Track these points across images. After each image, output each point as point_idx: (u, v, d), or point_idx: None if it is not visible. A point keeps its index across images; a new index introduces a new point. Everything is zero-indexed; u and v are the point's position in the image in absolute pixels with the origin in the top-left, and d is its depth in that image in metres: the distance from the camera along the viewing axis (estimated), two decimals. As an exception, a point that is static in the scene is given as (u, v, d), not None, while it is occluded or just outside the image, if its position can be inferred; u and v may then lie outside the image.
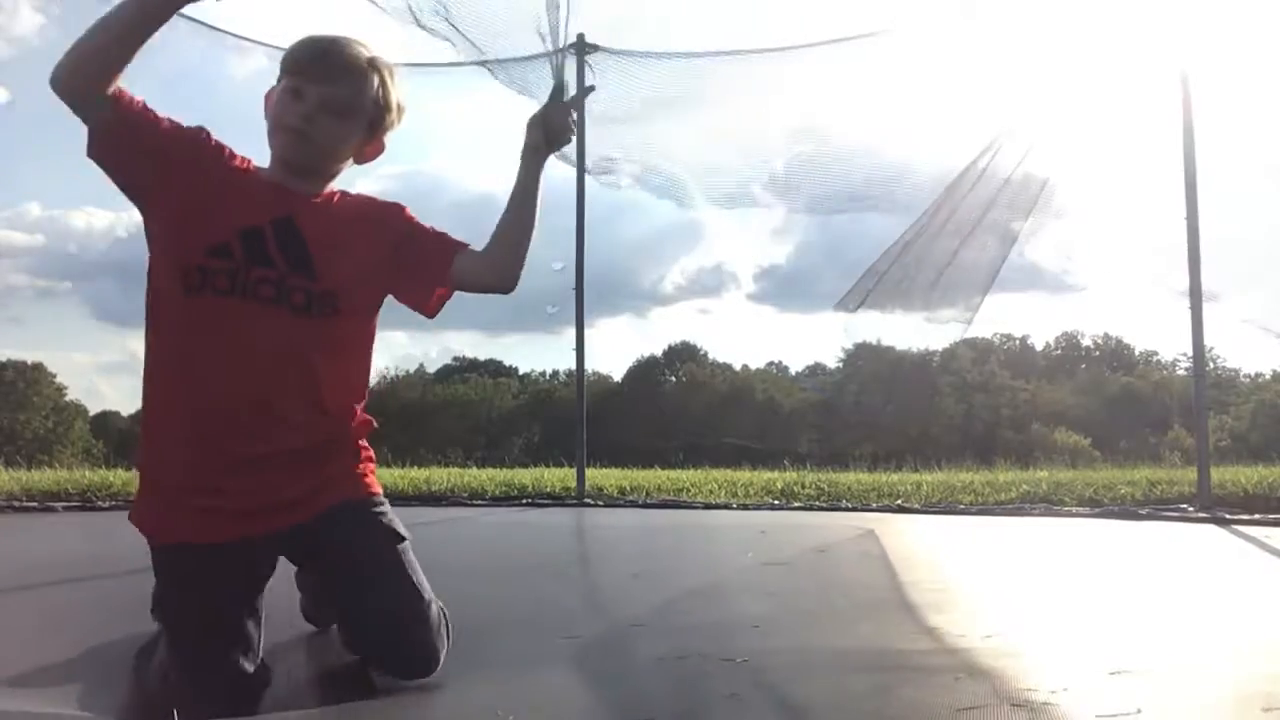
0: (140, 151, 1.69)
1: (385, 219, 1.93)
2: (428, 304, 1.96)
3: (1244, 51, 6.48)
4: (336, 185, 1.94)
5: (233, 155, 1.81)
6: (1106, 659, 2.05)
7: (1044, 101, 6.54)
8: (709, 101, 7.65)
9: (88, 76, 1.60)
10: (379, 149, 1.94)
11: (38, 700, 1.86)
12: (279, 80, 1.85)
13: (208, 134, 1.78)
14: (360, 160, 1.92)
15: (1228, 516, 5.63)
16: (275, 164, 1.85)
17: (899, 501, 6.84)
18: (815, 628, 2.46)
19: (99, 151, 1.67)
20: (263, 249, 1.75)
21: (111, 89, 1.62)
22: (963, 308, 6.55)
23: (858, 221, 8.02)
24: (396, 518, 1.90)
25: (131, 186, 1.74)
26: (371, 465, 1.93)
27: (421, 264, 1.92)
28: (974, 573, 3.66)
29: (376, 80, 1.86)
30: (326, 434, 1.84)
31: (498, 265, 1.93)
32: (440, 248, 1.94)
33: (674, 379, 50.87)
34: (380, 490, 1.93)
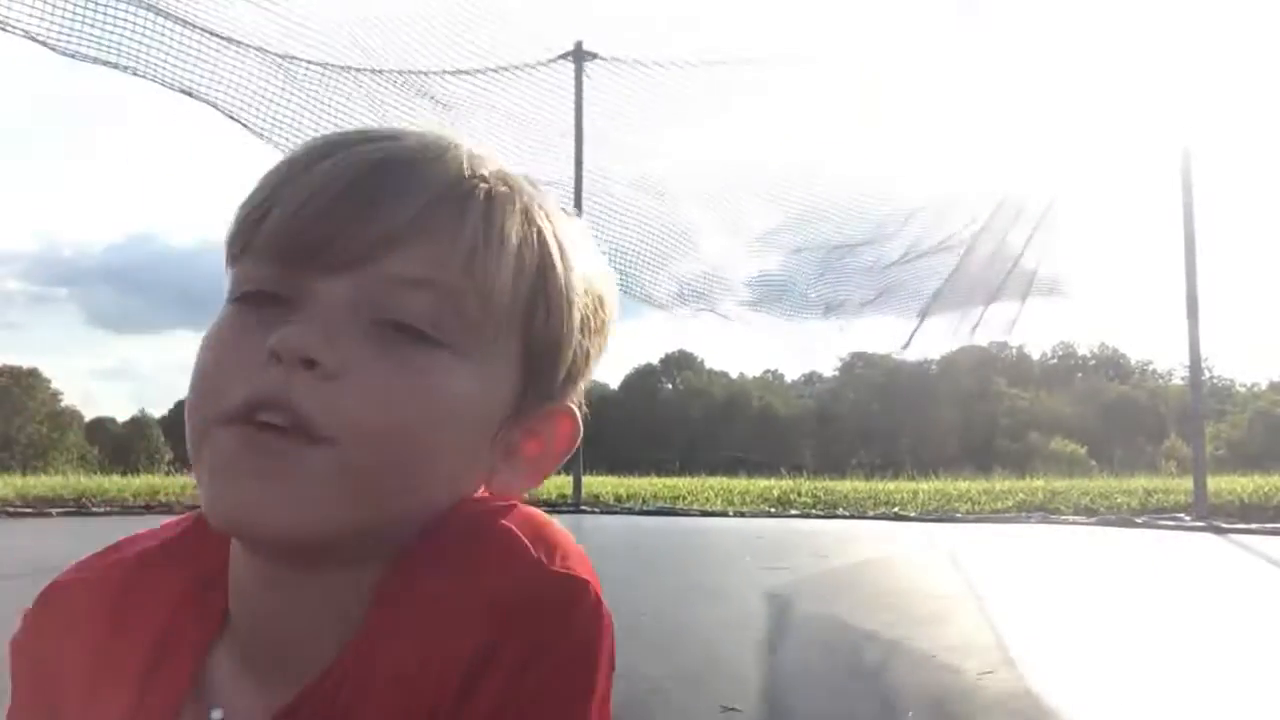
0: None
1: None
2: None
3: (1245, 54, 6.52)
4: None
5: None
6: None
7: (1049, 127, 6.61)
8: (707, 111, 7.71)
9: None
10: (563, 444, 0.53)
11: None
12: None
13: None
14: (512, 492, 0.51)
15: (1224, 525, 5.63)
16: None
17: (896, 510, 6.83)
18: (807, 686, 2.44)
19: None
20: None
21: None
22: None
23: (850, 235, 8.11)
24: None
25: None
26: None
27: None
28: (970, 594, 3.65)
29: (532, 252, 0.48)
30: None
31: None
32: None
33: (671, 386, 50.92)
34: None
